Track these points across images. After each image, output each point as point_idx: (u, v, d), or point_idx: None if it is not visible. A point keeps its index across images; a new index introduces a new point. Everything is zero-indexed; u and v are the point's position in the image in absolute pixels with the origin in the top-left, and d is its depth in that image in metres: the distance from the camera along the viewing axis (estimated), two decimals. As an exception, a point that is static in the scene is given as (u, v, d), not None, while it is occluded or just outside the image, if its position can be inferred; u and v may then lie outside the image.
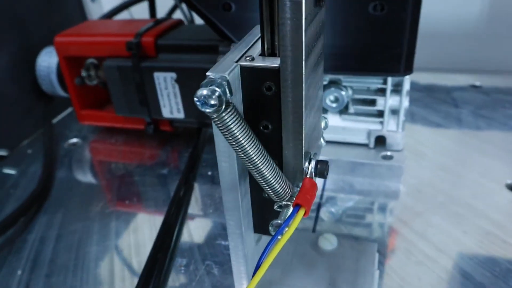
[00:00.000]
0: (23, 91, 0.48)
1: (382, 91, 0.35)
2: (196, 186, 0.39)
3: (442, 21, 0.71)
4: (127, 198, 0.38)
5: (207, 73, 0.17)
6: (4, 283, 0.30)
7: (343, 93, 0.35)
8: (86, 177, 0.43)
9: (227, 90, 0.16)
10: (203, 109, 0.16)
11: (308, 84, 0.18)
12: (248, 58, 0.18)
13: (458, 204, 0.34)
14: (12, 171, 0.44)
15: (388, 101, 0.35)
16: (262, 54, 0.19)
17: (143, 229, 0.34)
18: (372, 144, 0.37)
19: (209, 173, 0.40)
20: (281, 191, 0.19)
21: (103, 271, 0.31)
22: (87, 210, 0.37)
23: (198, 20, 0.53)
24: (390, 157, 0.36)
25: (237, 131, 0.17)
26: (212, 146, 0.44)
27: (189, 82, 0.38)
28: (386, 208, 0.34)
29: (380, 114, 0.36)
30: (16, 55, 0.47)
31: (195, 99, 0.16)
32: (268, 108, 0.19)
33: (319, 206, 0.34)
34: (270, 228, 0.19)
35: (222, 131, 0.17)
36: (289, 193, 0.19)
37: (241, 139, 0.17)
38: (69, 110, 0.55)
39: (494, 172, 0.37)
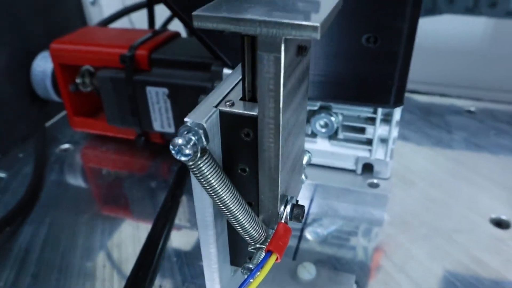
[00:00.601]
0: (18, 94, 0.48)
1: (372, 120, 0.35)
2: (184, 200, 0.39)
3: (446, 38, 0.71)
4: (114, 206, 0.38)
5: (185, 119, 0.17)
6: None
7: (333, 119, 0.35)
8: (76, 182, 0.43)
9: (202, 137, 0.16)
10: (178, 158, 0.16)
11: (287, 131, 0.18)
12: (228, 104, 0.18)
13: (441, 237, 0.34)
14: (2, 175, 0.44)
15: (378, 130, 0.35)
16: (243, 98, 0.19)
17: (126, 243, 0.34)
18: (359, 171, 0.37)
19: (197, 188, 0.40)
20: (255, 234, 0.19)
21: (87, 278, 0.31)
22: (75, 217, 0.37)
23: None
24: (377, 185, 0.36)
25: (212, 179, 0.17)
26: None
27: (181, 99, 0.38)
28: (369, 236, 0.34)
29: (369, 142, 0.36)
30: (14, 58, 0.47)
31: (171, 147, 0.16)
32: (246, 152, 0.19)
33: (301, 233, 0.34)
34: (241, 271, 0.19)
35: (198, 177, 0.17)
36: (263, 236, 0.20)
37: (216, 186, 0.17)
38: (63, 113, 0.55)
39: (480, 205, 0.37)
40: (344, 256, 0.32)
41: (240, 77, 0.20)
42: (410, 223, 0.35)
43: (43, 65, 0.46)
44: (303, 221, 0.21)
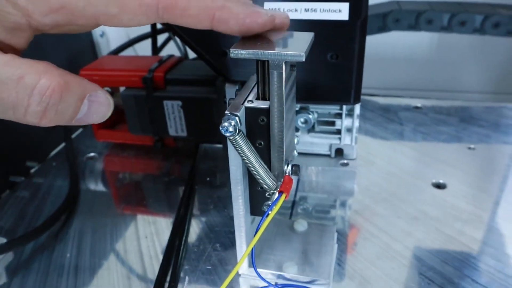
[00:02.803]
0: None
1: (339, 115, 0.47)
2: (196, 190, 0.50)
3: (399, 50, 0.85)
4: (143, 200, 0.48)
5: (226, 111, 0.28)
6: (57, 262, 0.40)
7: (311, 116, 0.47)
8: (106, 184, 0.52)
9: (238, 122, 0.27)
10: (224, 134, 0.27)
11: (286, 117, 0.29)
12: (249, 102, 0.29)
13: (396, 199, 0.45)
14: (42, 180, 0.53)
15: (344, 122, 0.46)
16: (257, 98, 0.30)
17: (160, 222, 0.45)
18: (333, 155, 0.49)
19: (207, 179, 0.51)
20: (270, 184, 0.30)
21: (134, 251, 0.41)
22: (113, 211, 0.47)
23: (190, 54, 0.64)
24: (347, 164, 0.48)
25: (245, 147, 0.28)
26: (206, 159, 0.55)
27: (192, 108, 0.49)
28: (345, 202, 0.46)
29: (339, 132, 0.48)
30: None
31: (220, 127, 0.27)
32: (261, 132, 0.30)
33: (292, 210, 0.45)
34: (264, 207, 0.30)
35: (235, 147, 0.28)
36: (275, 185, 0.30)
37: (247, 152, 0.28)
38: (80, 130, 0.64)
39: (424, 175, 0.49)
40: (327, 217, 0.44)
41: (250, 87, 0.31)
42: (374, 191, 0.47)
43: (70, 89, 0.56)
44: (298, 175, 0.32)
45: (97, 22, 0.24)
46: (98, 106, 0.25)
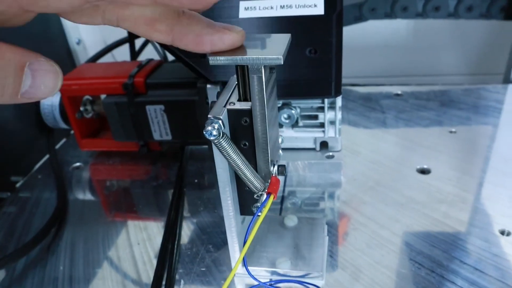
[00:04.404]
0: (29, 125, 0.57)
1: (321, 108, 0.47)
2: (185, 192, 0.50)
3: (376, 38, 0.86)
4: (133, 206, 0.48)
5: (209, 115, 0.28)
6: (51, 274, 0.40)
7: (293, 111, 0.47)
8: (94, 193, 0.52)
9: (221, 125, 0.28)
10: (209, 138, 0.27)
11: (269, 117, 0.29)
12: (231, 104, 0.29)
13: (382, 186, 0.46)
14: (28, 194, 0.53)
15: (327, 115, 0.47)
16: (239, 99, 0.30)
17: (152, 227, 0.45)
18: (318, 148, 0.50)
19: (196, 180, 0.51)
20: (258, 185, 0.30)
21: (127, 258, 0.41)
22: (104, 219, 0.47)
23: (169, 57, 0.64)
24: (332, 156, 0.49)
25: (230, 150, 0.28)
26: (193, 160, 0.55)
27: (175, 112, 0.49)
28: (333, 193, 0.46)
29: (322, 125, 0.48)
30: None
31: (204, 132, 0.27)
32: (245, 133, 0.30)
33: (281, 205, 0.46)
34: (253, 209, 0.31)
35: (220, 150, 0.28)
36: (263, 186, 0.31)
37: (232, 155, 0.28)
38: (64, 140, 0.64)
39: (408, 161, 0.50)
40: (317, 209, 0.44)
41: (231, 88, 0.32)
42: (360, 180, 0.47)
43: (50, 99, 0.56)
44: (285, 175, 0.32)
45: (20, 6, 0.21)
46: (44, 75, 0.22)
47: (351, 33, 0.76)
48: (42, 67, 0.21)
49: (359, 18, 0.71)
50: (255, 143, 0.30)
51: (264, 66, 0.27)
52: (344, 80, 0.44)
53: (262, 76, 0.27)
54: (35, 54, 0.21)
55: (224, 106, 0.29)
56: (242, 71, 0.28)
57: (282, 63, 0.25)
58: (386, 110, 0.62)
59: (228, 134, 0.30)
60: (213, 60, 0.26)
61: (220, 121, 0.28)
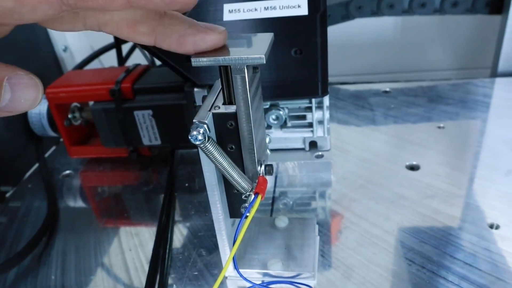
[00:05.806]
0: (18, 134, 0.57)
1: (309, 108, 0.47)
2: (177, 196, 0.50)
3: (364, 36, 0.86)
4: (125, 212, 0.48)
5: (194, 120, 0.28)
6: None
7: (281, 112, 0.47)
8: (85, 201, 0.52)
9: (207, 129, 0.28)
10: (194, 142, 0.27)
11: (254, 117, 0.29)
12: (216, 107, 0.29)
13: (373, 184, 0.46)
14: (18, 204, 0.52)
15: (315, 115, 0.47)
16: (224, 103, 0.30)
17: (143, 233, 0.45)
18: (307, 148, 0.50)
19: (186, 184, 0.51)
20: (246, 186, 0.30)
21: (119, 264, 0.41)
22: (95, 226, 0.47)
23: (157, 62, 0.64)
24: (322, 156, 0.49)
25: (216, 154, 0.28)
26: (184, 164, 0.55)
27: (163, 116, 0.49)
28: (323, 193, 0.47)
29: (310, 125, 0.48)
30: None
31: (189, 137, 0.27)
32: (231, 136, 0.30)
33: (272, 206, 0.46)
34: (241, 210, 0.31)
35: (207, 154, 0.28)
36: (250, 187, 0.31)
37: (219, 158, 0.28)
38: (53, 148, 0.63)
39: (398, 158, 0.50)
40: (308, 209, 0.44)
41: (216, 92, 0.32)
42: (350, 179, 0.48)
43: (38, 107, 0.55)
44: (272, 174, 0.32)
45: None
46: (24, 89, 0.22)
47: (338, 31, 0.76)
48: (21, 80, 0.22)
49: (346, 16, 0.71)
50: (241, 144, 0.30)
51: (247, 66, 0.27)
52: (333, 79, 0.44)
53: (245, 76, 0.27)
54: (13, 68, 0.22)
55: (209, 110, 0.29)
56: (226, 73, 0.28)
57: (265, 62, 0.25)
58: (375, 108, 0.62)
59: (214, 138, 0.29)
60: (195, 62, 0.26)
61: (205, 126, 0.28)
